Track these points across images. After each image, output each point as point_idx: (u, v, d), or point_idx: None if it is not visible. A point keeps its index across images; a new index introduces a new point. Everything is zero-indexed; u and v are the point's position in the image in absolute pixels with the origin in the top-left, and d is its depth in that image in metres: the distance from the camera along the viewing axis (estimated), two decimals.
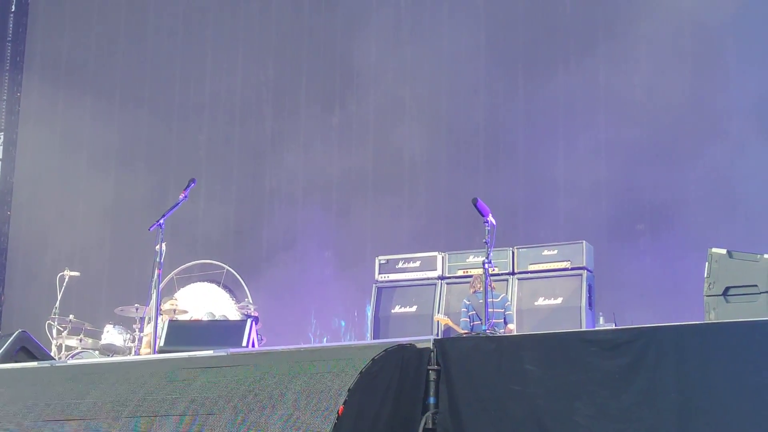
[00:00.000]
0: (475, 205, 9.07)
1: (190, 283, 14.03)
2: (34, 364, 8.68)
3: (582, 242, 11.36)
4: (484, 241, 9.07)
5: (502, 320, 10.66)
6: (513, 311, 11.03)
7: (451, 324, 11.13)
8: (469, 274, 11.54)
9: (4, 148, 17.06)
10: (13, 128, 17.11)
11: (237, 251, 14.81)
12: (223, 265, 14.01)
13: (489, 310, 10.20)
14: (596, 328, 10.23)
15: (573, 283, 11.27)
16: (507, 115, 13.78)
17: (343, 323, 13.89)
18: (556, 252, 11.48)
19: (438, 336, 10.21)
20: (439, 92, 14.27)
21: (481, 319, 10.26)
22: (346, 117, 14.85)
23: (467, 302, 10.86)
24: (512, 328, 10.73)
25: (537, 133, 13.48)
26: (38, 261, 16.17)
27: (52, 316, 12.62)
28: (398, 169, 14.26)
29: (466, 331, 10.62)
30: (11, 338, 9.53)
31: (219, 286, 13.94)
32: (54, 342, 12.49)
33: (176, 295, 13.48)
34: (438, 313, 11.50)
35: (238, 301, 13.28)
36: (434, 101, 14.29)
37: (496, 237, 9.13)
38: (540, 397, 6.72)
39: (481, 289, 10.38)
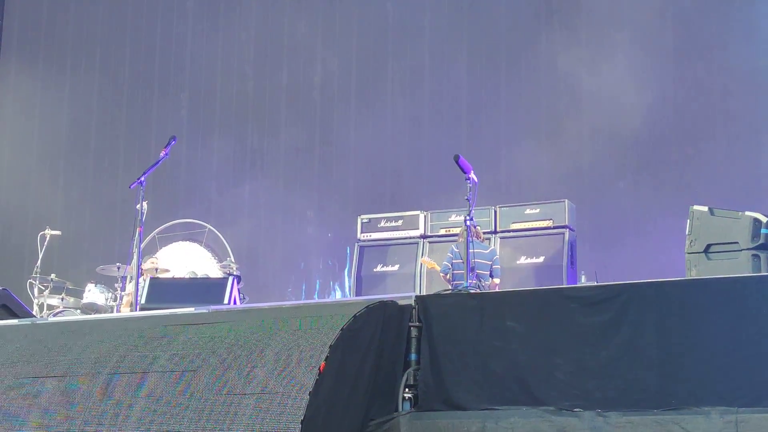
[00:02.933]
0: (457, 162, 9.06)
1: (171, 242, 13.98)
2: (14, 321, 8.65)
3: (564, 201, 11.36)
4: (465, 198, 9.07)
5: (488, 272, 10.60)
6: (500, 266, 11.02)
7: (436, 268, 11.12)
8: (451, 233, 11.54)
9: None
10: None
11: (219, 210, 14.78)
12: (205, 224, 13.98)
13: (477, 260, 10.23)
14: (577, 285, 10.25)
15: (555, 241, 11.29)
16: (488, 72, 13.74)
17: (321, 282, 13.90)
18: (538, 211, 11.49)
19: (421, 293, 10.17)
20: (421, 50, 14.22)
21: (465, 268, 10.18)
22: (326, 74, 14.79)
23: (455, 249, 10.75)
24: (497, 282, 10.70)
25: (519, 90, 13.45)
26: (19, 220, 16.10)
27: (33, 275, 12.57)
28: (380, 128, 14.22)
29: (444, 275, 10.63)
30: None
31: (201, 245, 13.90)
32: (35, 301, 12.46)
33: (158, 254, 13.45)
34: (423, 260, 11.45)
35: (220, 261, 13.25)
36: (416, 58, 14.24)
37: (477, 195, 9.13)
38: (521, 354, 6.74)
39: (474, 239, 10.39)
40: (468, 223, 9.07)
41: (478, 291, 8.51)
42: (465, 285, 8.69)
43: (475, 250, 10.34)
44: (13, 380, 7.12)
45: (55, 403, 6.86)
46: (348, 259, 13.52)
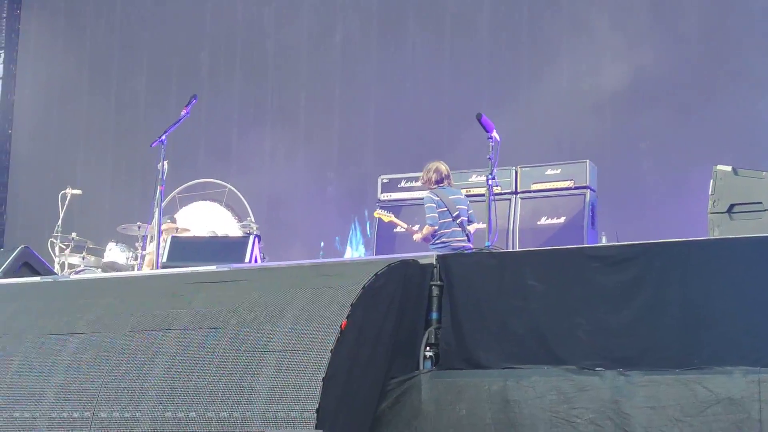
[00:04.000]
0: (479, 120, 9.03)
1: (192, 202, 14.00)
2: (36, 279, 8.70)
3: (585, 161, 11.30)
4: (487, 156, 9.04)
5: (467, 218, 10.43)
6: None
7: (395, 221, 10.94)
8: (472, 193, 11.49)
9: (4, 66, 16.96)
10: (12, 46, 16.99)
11: (239, 170, 14.78)
12: (226, 184, 13.99)
13: (459, 207, 10.04)
14: (599, 244, 10.22)
15: (576, 202, 11.24)
16: (511, 31, 13.66)
17: (341, 241, 13.90)
18: (559, 171, 11.43)
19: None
20: (443, 6, 14.14)
21: (452, 216, 10.09)
22: (346, 33, 14.74)
23: (435, 197, 10.24)
24: (476, 227, 10.52)
25: (541, 50, 13.37)
26: (40, 179, 16.15)
27: (55, 234, 12.63)
28: (401, 86, 14.18)
29: (433, 228, 10.16)
30: (14, 253, 9.55)
31: (221, 205, 13.92)
32: (56, 260, 12.52)
33: (178, 214, 13.48)
34: (377, 213, 11.23)
35: (240, 220, 13.26)
36: (438, 15, 14.16)
37: (499, 155, 9.10)
38: (542, 313, 6.73)
39: (450, 185, 10.31)
40: (490, 182, 9.04)
41: (499, 250, 8.47)
42: (487, 244, 8.66)
43: (455, 197, 10.26)
44: (37, 337, 7.16)
45: (78, 360, 6.90)
46: (367, 219, 13.52)
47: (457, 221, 10.01)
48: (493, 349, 6.80)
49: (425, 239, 10.27)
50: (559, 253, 7.01)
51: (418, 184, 11.39)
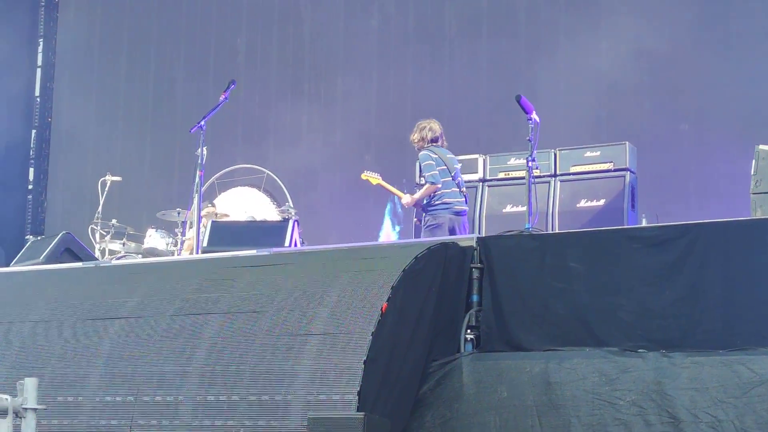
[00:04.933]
0: (519, 102, 8.98)
1: (230, 188, 14.02)
2: (78, 264, 8.76)
3: (625, 143, 11.22)
4: (527, 138, 9.00)
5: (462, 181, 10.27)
6: None
7: (383, 184, 10.69)
8: (511, 176, 11.44)
9: (43, 55, 17.04)
10: (51, 35, 17.07)
11: (277, 155, 14.80)
12: (264, 169, 13.99)
13: (456, 167, 9.98)
14: (641, 225, 10.15)
15: (615, 184, 11.17)
16: (549, 12, 13.58)
17: (380, 225, 13.88)
18: (598, 153, 11.35)
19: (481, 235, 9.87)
20: None
21: (451, 175, 10.01)
22: (383, 16, 14.70)
23: (433, 155, 9.98)
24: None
25: (579, 31, 13.28)
26: (80, 167, 16.24)
27: (95, 220, 12.70)
28: (437, 68, 14.14)
29: (436, 186, 9.91)
30: (56, 239, 9.63)
31: (260, 190, 13.93)
32: (97, 246, 12.58)
33: (217, 199, 13.49)
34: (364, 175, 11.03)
35: (278, 206, 13.28)
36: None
37: (538, 137, 9.07)
38: (583, 295, 6.72)
39: (443, 145, 10.18)
40: (530, 164, 9.00)
41: (540, 232, 8.41)
42: (527, 226, 8.61)
43: (451, 157, 10.12)
44: (80, 322, 7.21)
45: (121, 345, 6.94)
46: (391, 202, 13.46)
47: (456, 181, 9.92)
48: (534, 332, 6.80)
49: (417, 203, 10.02)
50: (600, 235, 6.99)
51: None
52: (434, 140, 10.10)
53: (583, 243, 6.89)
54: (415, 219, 10.58)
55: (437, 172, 9.95)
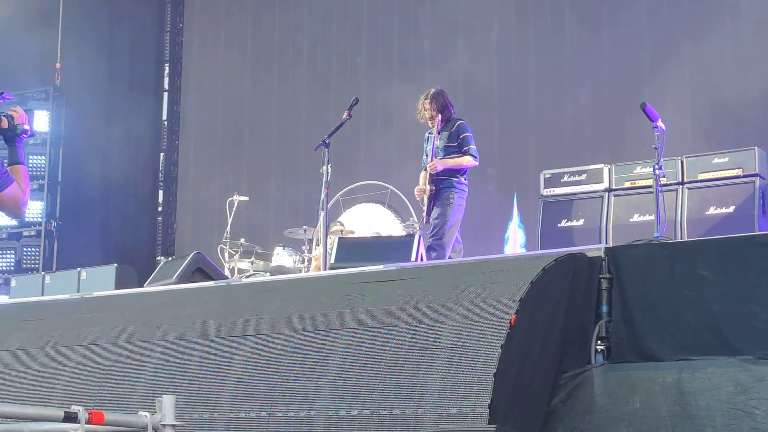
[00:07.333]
0: (644, 110, 8.90)
1: (355, 204, 14.15)
2: (210, 283, 8.92)
3: (754, 148, 11.00)
4: (653, 146, 8.91)
5: None
6: None
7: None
8: (637, 185, 11.30)
9: (169, 79, 17.45)
10: (177, 59, 17.48)
11: (400, 170, 14.87)
12: (387, 185, 14.08)
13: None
14: None
15: (745, 190, 10.96)
16: (671, 18, 13.42)
17: (508, 237, 13.83)
18: (726, 159, 11.16)
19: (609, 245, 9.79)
20: None
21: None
22: (502, 27, 14.67)
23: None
24: None
25: (702, 37, 13.09)
26: (207, 187, 16.56)
27: (224, 240, 12.95)
28: (558, 79, 14.06)
29: (476, 163, 10.20)
30: (187, 259, 9.83)
31: (384, 206, 14.02)
32: (226, 265, 12.81)
33: (342, 217, 13.64)
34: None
35: (403, 221, 13.35)
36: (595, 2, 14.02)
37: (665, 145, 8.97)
38: (715, 303, 6.60)
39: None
40: (657, 172, 8.90)
41: (669, 240, 8.30)
42: (656, 235, 8.52)
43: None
44: (212, 339, 7.34)
45: (253, 361, 7.05)
46: (517, 213, 13.40)
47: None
48: (666, 341, 6.70)
49: (444, 172, 10.05)
50: (732, 242, 6.86)
51: (582, 178, 11.25)
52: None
53: (715, 250, 6.77)
54: (431, 187, 10.33)
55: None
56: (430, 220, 10.12)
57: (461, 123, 10.17)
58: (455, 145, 10.22)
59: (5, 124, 5.68)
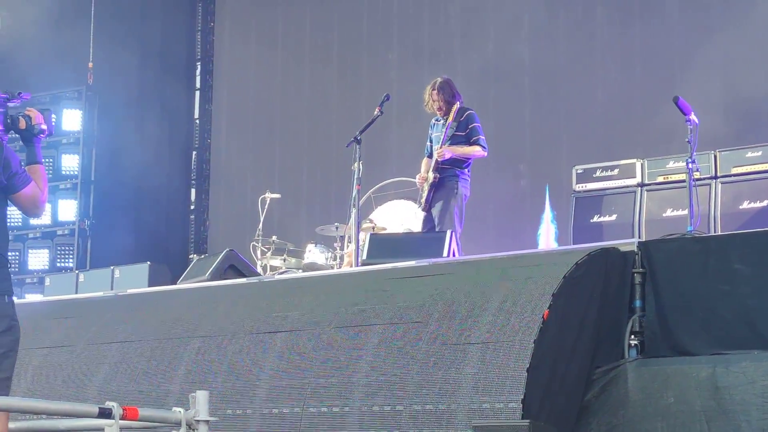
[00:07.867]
0: (677, 104, 8.85)
1: (386, 201, 14.14)
2: (243, 280, 8.96)
3: None
4: (686, 140, 8.86)
5: None
6: None
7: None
8: (670, 179, 11.24)
9: (201, 78, 17.50)
10: (208, 58, 17.52)
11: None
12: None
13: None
14: None
15: None
16: (703, 11, 13.34)
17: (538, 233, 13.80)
18: (760, 153, 11.07)
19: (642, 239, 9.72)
20: None
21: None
22: (532, 23, 14.62)
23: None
24: None
25: (732, 29, 13.00)
26: (240, 185, 16.60)
27: (256, 237, 12.98)
28: (589, 73, 14.01)
29: (485, 154, 10.11)
30: (220, 257, 9.87)
31: (415, 202, 14.01)
32: (259, 262, 12.85)
33: (373, 213, 13.63)
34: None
35: None
36: None
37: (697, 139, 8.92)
38: (750, 297, 6.57)
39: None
40: (690, 166, 8.84)
41: (702, 234, 8.25)
42: (689, 229, 8.47)
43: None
44: (245, 335, 7.37)
45: (287, 357, 7.08)
46: (550, 208, 13.34)
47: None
48: (700, 336, 6.68)
49: (450, 161, 9.99)
50: (766, 236, 6.82)
51: (614, 173, 11.21)
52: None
53: (749, 244, 6.74)
54: (435, 174, 10.26)
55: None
56: (431, 209, 10.11)
57: (471, 113, 10.11)
58: (463, 135, 10.15)
59: (23, 124, 5.72)
